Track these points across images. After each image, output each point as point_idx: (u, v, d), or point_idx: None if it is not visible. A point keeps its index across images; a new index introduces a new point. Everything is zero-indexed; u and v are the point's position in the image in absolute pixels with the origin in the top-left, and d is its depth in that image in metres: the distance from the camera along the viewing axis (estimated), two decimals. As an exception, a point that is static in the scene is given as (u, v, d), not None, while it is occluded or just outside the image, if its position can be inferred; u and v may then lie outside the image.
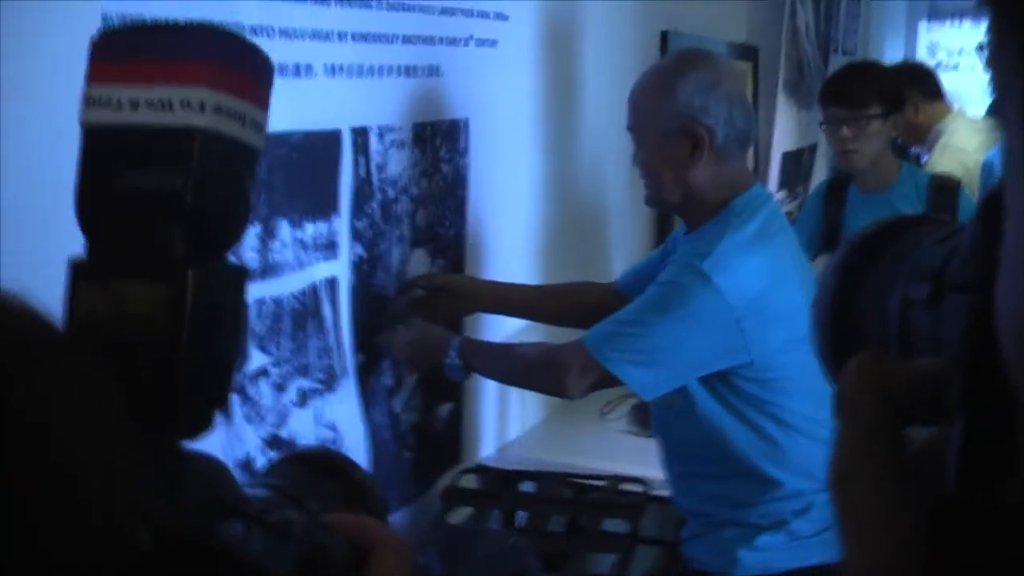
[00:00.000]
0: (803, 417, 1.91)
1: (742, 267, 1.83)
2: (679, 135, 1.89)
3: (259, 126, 0.59)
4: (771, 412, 1.91)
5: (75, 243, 0.58)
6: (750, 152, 2.13)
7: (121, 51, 0.59)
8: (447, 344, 1.95)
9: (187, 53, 0.58)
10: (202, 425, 0.58)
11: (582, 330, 2.08)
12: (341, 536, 0.62)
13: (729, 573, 1.96)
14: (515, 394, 2.65)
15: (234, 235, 0.60)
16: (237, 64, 0.58)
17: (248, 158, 0.59)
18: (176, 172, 0.56)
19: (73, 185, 0.58)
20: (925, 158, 3.78)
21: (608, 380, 1.86)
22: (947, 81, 4.22)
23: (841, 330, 0.50)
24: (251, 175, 0.60)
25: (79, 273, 0.57)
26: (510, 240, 2.60)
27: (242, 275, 0.60)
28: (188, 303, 0.55)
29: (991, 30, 0.33)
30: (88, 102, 0.58)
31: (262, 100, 0.59)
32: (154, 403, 0.55)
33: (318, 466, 0.70)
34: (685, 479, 2.04)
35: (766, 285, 1.85)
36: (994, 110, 0.35)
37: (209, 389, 0.59)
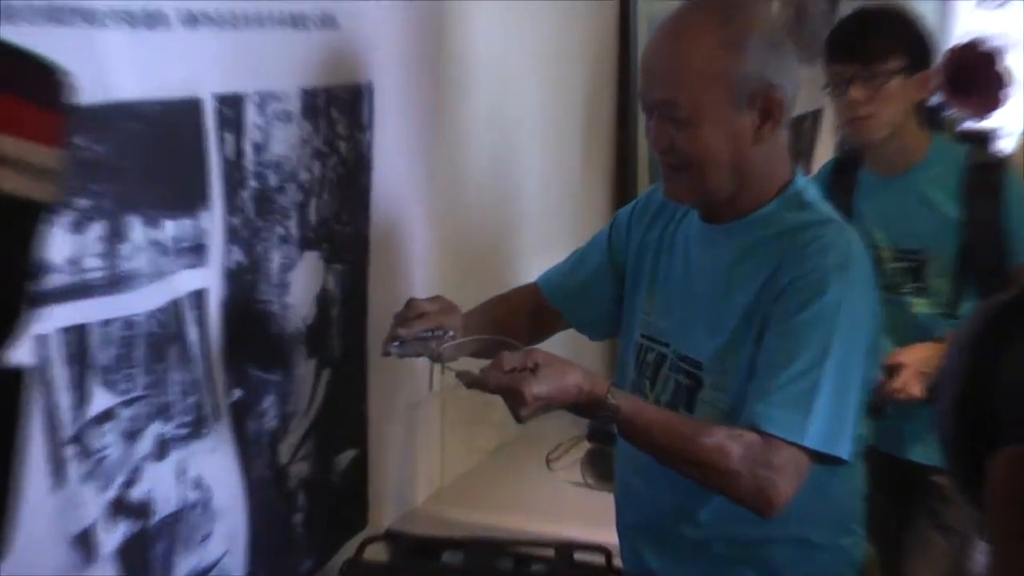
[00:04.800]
0: None
1: (862, 253, 1.95)
2: (749, 106, 1.92)
3: (44, 171, 0.61)
4: None
5: None
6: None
7: None
8: (602, 389, 1.82)
9: None
10: None
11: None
12: None
13: None
14: (435, 436, 2.68)
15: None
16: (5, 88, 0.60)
17: (28, 213, 0.62)
18: None
19: None
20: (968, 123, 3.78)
21: (817, 458, 1.88)
22: (991, 20, 4.36)
23: (972, 414, 0.54)
24: (32, 232, 0.63)
25: None
26: (423, 238, 2.63)
27: (18, 378, 0.67)
28: None
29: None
30: None
31: (49, 132, 0.61)
32: None
33: None
34: (710, 522, 2.07)
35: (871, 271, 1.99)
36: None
37: None
